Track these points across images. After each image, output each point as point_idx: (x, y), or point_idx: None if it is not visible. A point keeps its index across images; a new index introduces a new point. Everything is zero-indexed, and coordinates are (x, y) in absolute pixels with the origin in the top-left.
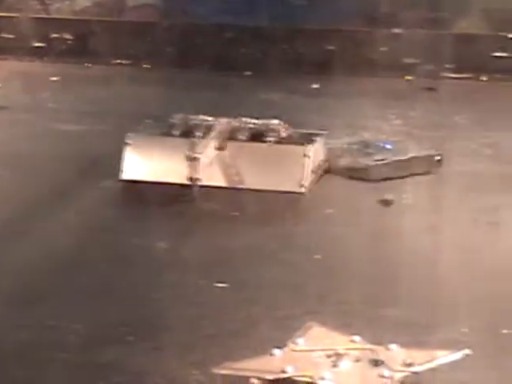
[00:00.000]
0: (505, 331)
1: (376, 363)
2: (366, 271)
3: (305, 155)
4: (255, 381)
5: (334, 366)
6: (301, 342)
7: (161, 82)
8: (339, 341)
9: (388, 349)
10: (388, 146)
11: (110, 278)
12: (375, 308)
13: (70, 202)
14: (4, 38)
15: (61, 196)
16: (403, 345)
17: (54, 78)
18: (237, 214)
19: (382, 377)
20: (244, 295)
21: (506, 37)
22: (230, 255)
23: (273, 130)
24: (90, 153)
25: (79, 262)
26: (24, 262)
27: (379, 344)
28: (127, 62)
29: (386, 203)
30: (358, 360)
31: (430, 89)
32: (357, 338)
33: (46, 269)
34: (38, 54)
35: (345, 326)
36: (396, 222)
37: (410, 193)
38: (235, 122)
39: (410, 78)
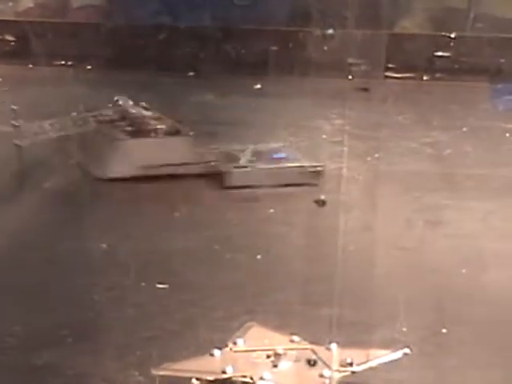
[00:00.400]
0: (444, 330)
1: (315, 363)
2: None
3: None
4: (195, 381)
5: (274, 366)
6: (240, 343)
7: (99, 82)
8: (279, 341)
9: (327, 348)
10: (279, 156)
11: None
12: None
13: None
14: None
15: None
16: (342, 344)
17: None
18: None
19: (322, 376)
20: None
21: (449, 36)
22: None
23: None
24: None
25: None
26: None
27: (319, 344)
28: (69, 63)
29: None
30: (297, 360)
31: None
32: (296, 337)
33: None
34: None
35: (284, 325)
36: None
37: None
38: None
39: (350, 77)
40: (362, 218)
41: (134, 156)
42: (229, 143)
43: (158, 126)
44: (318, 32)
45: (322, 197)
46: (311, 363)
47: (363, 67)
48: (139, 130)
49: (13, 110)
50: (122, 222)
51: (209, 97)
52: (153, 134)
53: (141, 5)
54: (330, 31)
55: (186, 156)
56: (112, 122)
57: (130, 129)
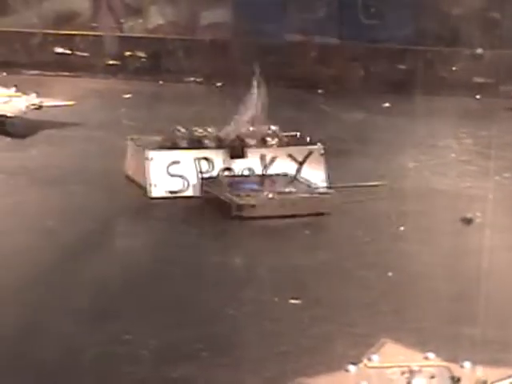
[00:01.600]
0: None
1: (452, 380)
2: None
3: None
4: None
5: (408, 382)
6: (375, 359)
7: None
8: (413, 357)
9: (462, 366)
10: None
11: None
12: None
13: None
14: (78, 56)
15: (135, 212)
16: (478, 362)
17: (128, 95)
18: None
19: None
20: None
21: None
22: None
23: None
24: None
25: (155, 278)
26: (101, 275)
27: (453, 361)
28: (200, 79)
29: None
30: (432, 377)
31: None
32: (431, 354)
33: (122, 284)
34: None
35: (418, 343)
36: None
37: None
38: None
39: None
40: (499, 236)
41: None
42: (354, 162)
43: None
44: (446, 50)
45: (469, 215)
46: (453, 380)
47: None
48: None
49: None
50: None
51: (336, 113)
52: None
53: (268, 22)
54: (479, 51)
55: None
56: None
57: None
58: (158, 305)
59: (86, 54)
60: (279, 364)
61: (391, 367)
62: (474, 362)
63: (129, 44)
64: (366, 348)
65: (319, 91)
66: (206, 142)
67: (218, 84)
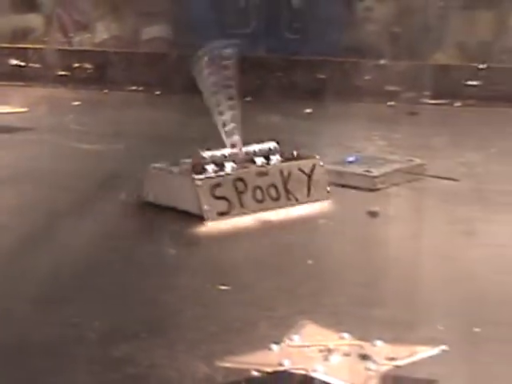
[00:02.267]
0: (476, 329)
1: (363, 357)
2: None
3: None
4: (254, 373)
5: (326, 359)
6: (296, 339)
7: (166, 105)
8: (330, 337)
9: (374, 345)
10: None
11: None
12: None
13: (90, 213)
14: (32, 67)
15: (81, 207)
16: (387, 341)
17: (76, 103)
18: None
19: (368, 370)
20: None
21: (477, 67)
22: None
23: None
24: (109, 169)
25: (98, 267)
26: (48, 267)
27: (366, 340)
28: (141, 88)
29: None
30: (347, 354)
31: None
32: (346, 335)
33: (68, 273)
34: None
35: (334, 324)
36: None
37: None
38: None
39: (392, 103)
40: (404, 227)
41: None
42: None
43: None
44: (360, 62)
45: (375, 208)
46: (364, 358)
47: (407, 94)
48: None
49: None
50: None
51: (263, 119)
52: None
53: (203, 36)
54: (371, 60)
55: None
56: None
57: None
58: (103, 291)
59: (38, 66)
60: (210, 344)
61: (310, 346)
62: (385, 341)
63: (77, 56)
64: (287, 329)
65: (247, 99)
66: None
67: (157, 92)
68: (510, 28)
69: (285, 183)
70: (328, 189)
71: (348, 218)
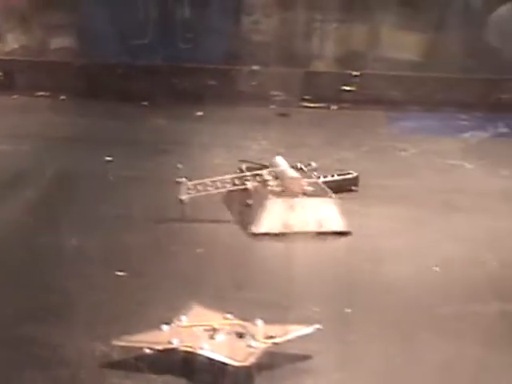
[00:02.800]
0: (347, 310)
1: (245, 336)
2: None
3: None
4: (147, 350)
5: (211, 338)
6: (184, 319)
7: (71, 110)
8: (215, 318)
9: (254, 324)
10: None
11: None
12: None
13: None
14: None
15: None
16: (266, 321)
17: None
18: None
19: (250, 346)
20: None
21: (351, 74)
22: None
23: None
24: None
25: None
26: None
27: (247, 321)
28: (47, 94)
29: None
30: (230, 333)
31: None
32: (229, 315)
33: None
34: None
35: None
36: None
37: None
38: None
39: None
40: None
41: (278, 214)
42: (176, 159)
43: (307, 188)
44: (246, 69)
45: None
46: (244, 336)
47: (283, 98)
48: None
49: None
50: None
51: (160, 122)
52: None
53: (105, 46)
54: (256, 68)
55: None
56: (265, 181)
57: (279, 189)
58: (10, 280)
59: None
60: (107, 326)
61: (197, 326)
62: (264, 321)
63: None
64: (176, 311)
65: (144, 103)
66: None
67: (62, 97)
68: (381, 39)
69: None
70: None
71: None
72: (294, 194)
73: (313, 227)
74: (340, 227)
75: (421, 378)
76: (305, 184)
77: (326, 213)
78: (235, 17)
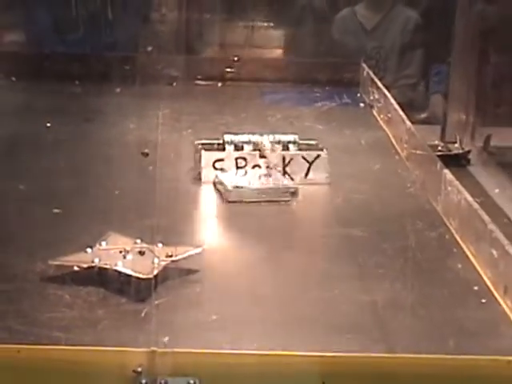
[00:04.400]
0: (227, 235)
1: (149, 255)
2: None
3: None
4: (76, 268)
5: (124, 258)
6: (103, 244)
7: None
8: (128, 243)
9: (157, 246)
10: None
11: None
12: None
13: None
14: None
15: None
16: (166, 244)
17: None
18: None
19: (153, 263)
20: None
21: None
22: None
23: None
24: None
25: None
26: None
27: (151, 244)
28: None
29: None
30: (137, 254)
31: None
32: (138, 240)
33: None
34: None
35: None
36: None
37: None
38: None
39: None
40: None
41: None
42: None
43: None
44: (152, 56)
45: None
46: (148, 255)
47: (181, 78)
48: None
49: None
50: None
51: (87, 97)
52: None
53: (46, 39)
54: (160, 55)
55: None
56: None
57: None
58: None
59: None
60: (45, 250)
61: (113, 249)
62: (164, 244)
63: None
64: (98, 239)
65: (76, 83)
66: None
67: (13, 79)
68: (255, 33)
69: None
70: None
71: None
72: None
73: None
74: None
75: (282, 282)
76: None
77: None
78: (145, 13)
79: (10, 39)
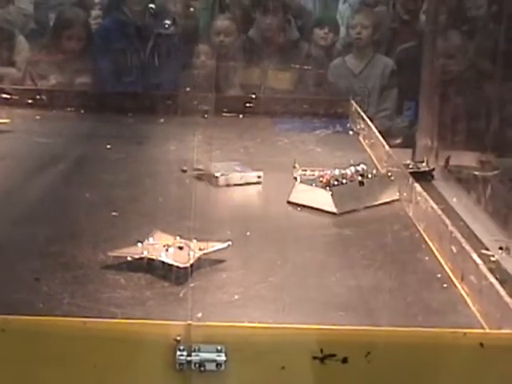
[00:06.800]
0: (248, 233)
1: (186, 249)
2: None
3: None
4: (129, 258)
5: (167, 251)
6: (151, 240)
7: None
8: (169, 239)
9: (193, 242)
10: None
11: None
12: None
13: None
14: None
15: None
16: (199, 240)
17: None
18: None
19: (188, 255)
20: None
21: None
22: None
23: None
24: None
25: None
26: None
27: (188, 240)
28: None
29: None
30: (179, 248)
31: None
32: (178, 237)
33: None
34: None
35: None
36: None
37: None
38: None
39: None
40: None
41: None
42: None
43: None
44: (189, 94)
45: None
46: (186, 249)
47: (211, 111)
48: None
49: None
50: None
51: (138, 125)
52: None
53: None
54: (195, 93)
55: None
56: None
57: None
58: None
59: None
60: (105, 244)
61: (158, 244)
62: (197, 240)
63: None
64: (147, 235)
65: (129, 115)
66: None
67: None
68: (268, 75)
69: None
70: None
71: None
72: None
73: None
74: None
75: (290, 272)
76: None
77: None
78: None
79: (81, 81)
